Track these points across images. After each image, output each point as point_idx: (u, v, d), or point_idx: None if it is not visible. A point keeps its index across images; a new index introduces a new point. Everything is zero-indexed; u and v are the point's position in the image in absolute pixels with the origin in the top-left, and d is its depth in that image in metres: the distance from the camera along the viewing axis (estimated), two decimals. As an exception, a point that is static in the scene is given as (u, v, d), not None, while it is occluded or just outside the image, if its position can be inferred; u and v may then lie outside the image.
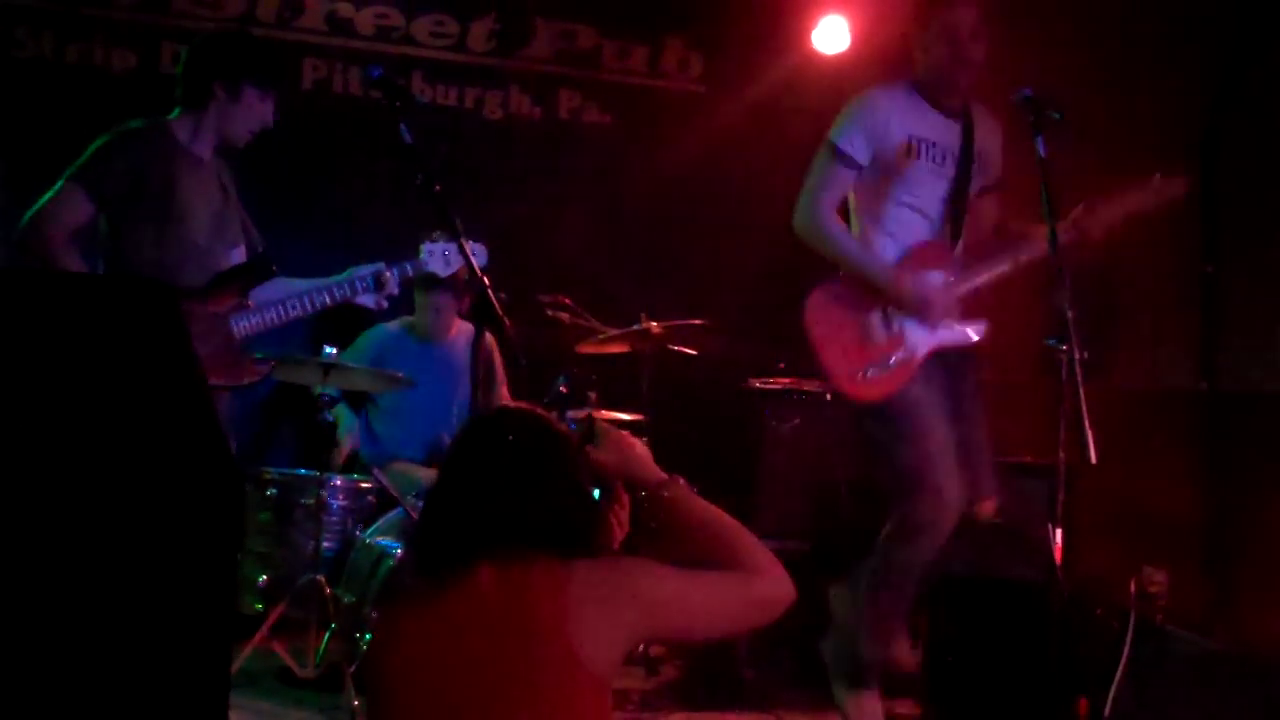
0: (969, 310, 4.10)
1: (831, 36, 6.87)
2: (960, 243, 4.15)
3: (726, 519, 2.45)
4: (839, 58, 6.92)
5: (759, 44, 7.12)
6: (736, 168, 7.06)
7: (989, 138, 4.24)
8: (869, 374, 4.00)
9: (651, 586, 2.28)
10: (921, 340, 4.02)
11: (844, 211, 4.22)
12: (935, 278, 4.07)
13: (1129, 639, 4.13)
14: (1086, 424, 3.36)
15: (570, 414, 5.34)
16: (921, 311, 4.00)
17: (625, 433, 2.57)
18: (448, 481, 2.41)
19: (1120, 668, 4.07)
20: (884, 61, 6.69)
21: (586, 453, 2.47)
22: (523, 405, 2.50)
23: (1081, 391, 3.40)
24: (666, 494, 2.47)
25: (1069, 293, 3.56)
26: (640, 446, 2.55)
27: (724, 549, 2.39)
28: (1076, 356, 3.46)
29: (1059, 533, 3.43)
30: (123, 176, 4.04)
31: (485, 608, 2.23)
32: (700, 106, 7.24)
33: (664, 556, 2.37)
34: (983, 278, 4.10)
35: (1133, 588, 4.41)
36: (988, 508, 4.07)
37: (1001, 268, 4.08)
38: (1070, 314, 3.52)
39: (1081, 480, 4.43)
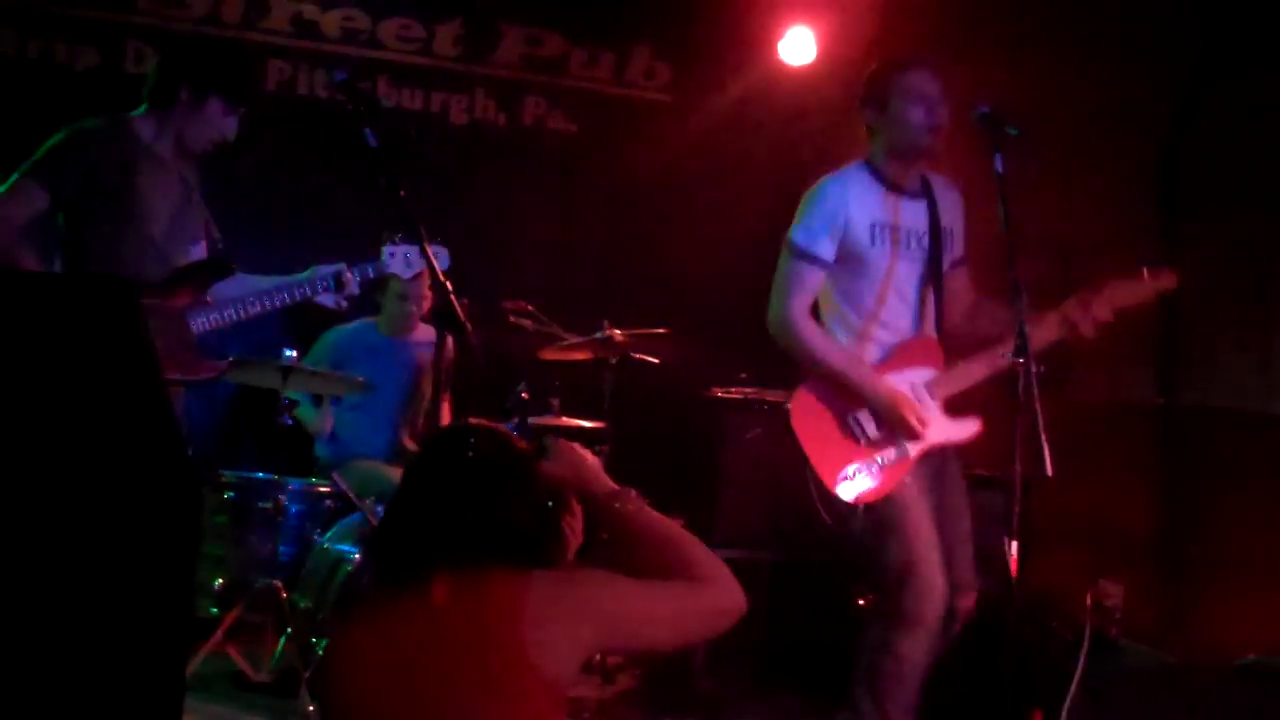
0: (956, 407, 4.00)
1: (798, 48, 6.90)
2: (944, 329, 4.05)
3: (678, 530, 2.47)
4: (805, 69, 6.95)
5: (725, 54, 7.14)
6: (702, 177, 7.08)
7: (952, 211, 4.12)
8: (857, 473, 3.89)
9: (606, 598, 2.30)
10: (912, 442, 3.92)
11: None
12: (921, 375, 3.98)
13: (1084, 651, 4.16)
14: (1043, 437, 3.38)
15: (532, 420, 5.33)
16: (902, 424, 3.88)
17: (576, 445, 2.58)
18: (407, 494, 2.43)
19: (1075, 680, 4.09)
20: (849, 74, 6.76)
21: (539, 466, 2.48)
22: (483, 422, 2.52)
23: (1038, 405, 3.42)
24: (617, 505, 2.48)
25: (1026, 306, 3.58)
26: (591, 458, 2.56)
27: (676, 559, 2.40)
28: (1033, 370, 3.48)
29: (1015, 545, 3.44)
30: (77, 173, 4.02)
31: (441, 619, 2.25)
32: (666, 115, 7.25)
33: (617, 567, 2.38)
34: (965, 382, 3.99)
35: (1088, 600, 4.44)
36: (967, 602, 3.97)
37: (981, 372, 3.97)
38: (1028, 327, 3.53)
39: (1038, 493, 4.47)
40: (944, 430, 3.98)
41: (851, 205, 3.96)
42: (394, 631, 2.27)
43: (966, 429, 4.01)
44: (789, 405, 4.03)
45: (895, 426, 3.90)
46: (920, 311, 4.05)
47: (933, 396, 3.97)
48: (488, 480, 2.36)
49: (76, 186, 4.01)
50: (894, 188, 4.04)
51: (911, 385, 3.96)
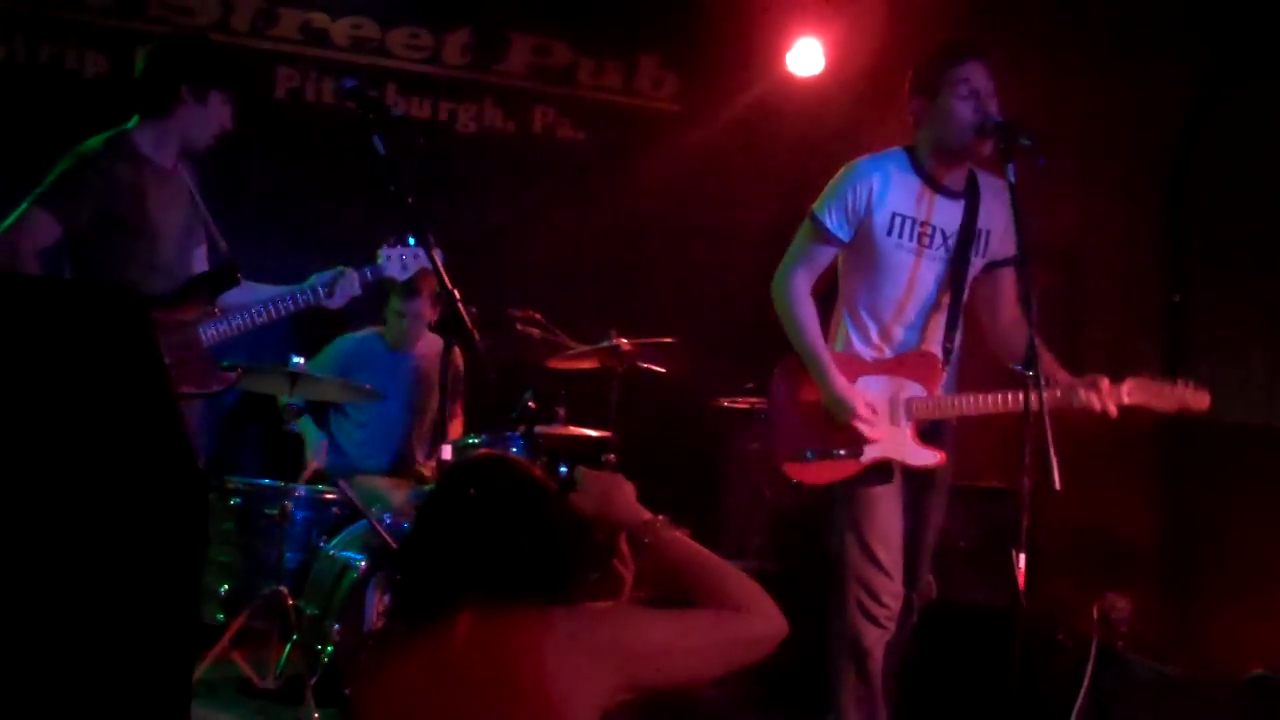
0: (930, 433, 3.93)
1: (806, 59, 6.90)
2: (955, 343, 3.94)
3: (712, 558, 2.41)
4: (813, 80, 6.96)
5: (734, 64, 7.15)
6: (709, 187, 7.09)
7: (996, 213, 3.90)
8: (809, 456, 3.88)
9: (633, 636, 2.24)
10: (869, 447, 3.87)
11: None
12: (907, 390, 3.90)
13: (1090, 664, 4.15)
14: (1051, 450, 3.37)
15: (538, 429, 5.33)
16: (847, 426, 3.83)
17: (610, 475, 2.52)
18: (423, 529, 2.39)
19: (1081, 693, 4.09)
20: (857, 84, 6.77)
21: (568, 500, 2.43)
22: (496, 453, 2.48)
23: (1047, 417, 3.41)
24: (647, 539, 2.43)
25: (1036, 318, 3.57)
26: (625, 488, 2.50)
27: (712, 588, 2.35)
28: (1042, 382, 3.47)
29: (1023, 558, 3.43)
30: (91, 205, 4.00)
31: (464, 658, 2.20)
32: (674, 125, 7.26)
33: (652, 595, 2.35)
34: (948, 413, 3.93)
35: (1095, 613, 4.43)
36: (921, 595, 4.01)
37: (967, 410, 3.91)
38: (1036, 340, 3.52)
39: (1046, 506, 4.46)
40: (903, 450, 3.90)
41: (876, 189, 3.86)
42: (419, 671, 2.22)
43: (928, 457, 3.92)
44: (775, 368, 4.04)
45: (846, 429, 3.87)
46: (932, 317, 3.94)
47: (908, 414, 3.90)
48: (500, 515, 2.30)
49: (90, 218, 4.00)
50: (932, 183, 3.90)
51: (892, 397, 3.91)
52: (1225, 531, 5.02)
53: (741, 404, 5.99)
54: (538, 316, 5.83)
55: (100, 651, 2.17)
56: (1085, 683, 4.11)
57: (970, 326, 4.07)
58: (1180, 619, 5.10)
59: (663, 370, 5.86)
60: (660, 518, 2.47)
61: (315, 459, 5.77)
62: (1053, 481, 3.35)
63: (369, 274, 4.42)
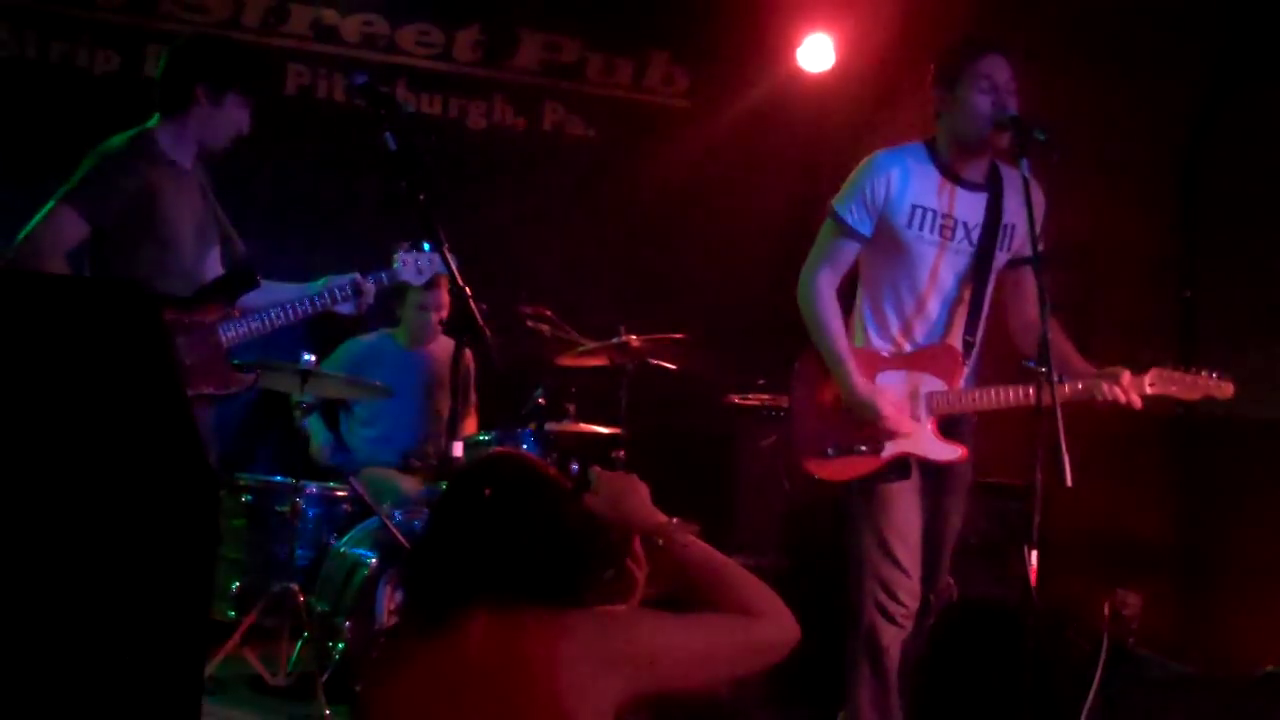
0: (951, 428, 3.93)
1: (816, 54, 6.91)
2: (977, 336, 3.93)
3: (727, 563, 2.40)
4: (823, 76, 6.96)
5: (744, 61, 7.15)
6: (720, 183, 7.08)
7: (1020, 207, 3.81)
8: (830, 453, 3.90)
9: (645, 639, 2.23)
10: (890, 442, 3.88)
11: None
12: (928, 384, 3.89)
13: (1101, 661, 4.14)
14: (1063, 446, 3.36)
15: (549, 427, 5.33)
16: (872, 425, 3.84)
17: (625, 476, 2.49)
18: (435, 530, 2.37)
19: (1092, 690, 4.08)
20: (867, 81, 6.77)
21: (583, 501, 2.40)
22: (510, 452, 2.46)
23: (1059, 413, 3.40)
24: (661, 541, 2.41)
25: (1048, 314, 3.56)
26: (640, 489, 2.47)
27: (725, 592, 2.34)
28: (1054, 378, 3.46)
29: (1034, 554, 3.43)
30: (117, 204, 4.00)
31: (476, 660, 2.18)
32: (684, 122, 7.25)
33: (660, 594, 2.34)
34: (968, 407, 3.92)
35: (1106, 610, 4.43)
36: (940, 597, 4.04)
37: (987, 404, 3.89)
38: (1056, 334, 3.51)
39: (1057, 502, 4.45)
40: (925, 445, 3.90)
41: (895, 182, 3.86)
42: (430, 672, 2.20)
43: (949, 452, 3.92)
44: (795, 364, 4.04)
45: (867, 425, 3.87)
46: (955, 310, 3.94)
47: (929, 409, 3.90)
48: (515, 516, 2.28)
49: (116, 217, 4.00)
50: (951, 175, 3.91)
51: (912, 391, 3.91)
52: (1237, 527, 5.01)
53: (752, 400, 5.98)
54: (548, 313, 5.83)
55: (111, 648, 2.17)
56: (1096, 679, 4.10)
57: (993, 322, 4.05)
58: (1192, 615, 5.08)
59: (673, 367, 5.85)
60: (675, 520, 2.45)
61: (320, 456, 5.80)
62: (1064, 477, 3.34)
63: (384, 278, 4.42)
